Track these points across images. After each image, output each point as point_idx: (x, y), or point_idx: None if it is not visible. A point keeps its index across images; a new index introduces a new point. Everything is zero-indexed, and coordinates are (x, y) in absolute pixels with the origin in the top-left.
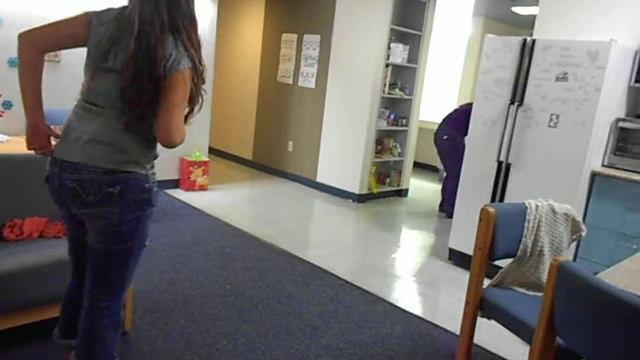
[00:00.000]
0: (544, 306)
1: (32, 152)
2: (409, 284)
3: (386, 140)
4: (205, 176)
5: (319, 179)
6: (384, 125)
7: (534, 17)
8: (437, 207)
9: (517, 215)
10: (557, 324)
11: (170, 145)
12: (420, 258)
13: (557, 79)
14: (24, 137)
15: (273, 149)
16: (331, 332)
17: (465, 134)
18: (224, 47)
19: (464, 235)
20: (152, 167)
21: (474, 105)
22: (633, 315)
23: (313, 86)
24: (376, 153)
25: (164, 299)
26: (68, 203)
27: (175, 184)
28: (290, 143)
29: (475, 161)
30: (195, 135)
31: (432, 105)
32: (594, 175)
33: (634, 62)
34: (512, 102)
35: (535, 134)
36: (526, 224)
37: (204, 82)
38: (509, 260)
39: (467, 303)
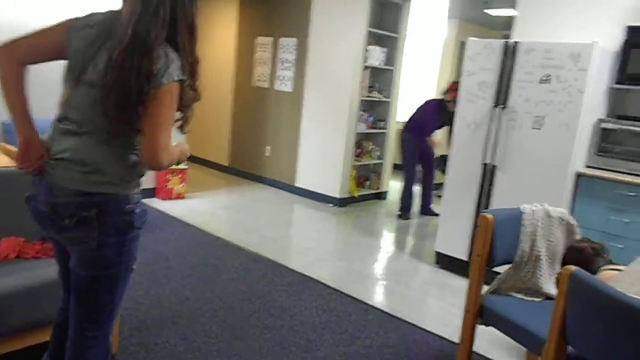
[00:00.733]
0: (555, 316)
1: (19, 169)
2: (398, 290)
3: (365, 144)
4: (183, 184)
5: (298, 184)
6: (363, 128)
7: (506, 18)
8: (418, 209)
9: (513, 221)
10: (570, 333)
11: (156, 166)
12: (407, 263)
13: (541, 81)
14: None
15: (250, 155)
16: (326, 345)
17: (423, 133)
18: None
19: (451, 238)
20: (137, 186)
21: (457, 108)
22: None
23: (290, 90)
24: (356, 156)
25: (151, 316)
26: (46, 227)
27: (151, 193)
28: (268, 148)
29: (461, 164)
30: (173, 143)
31: (410, 107)
32: (578, 176)
33: (613, 64)
34: (496, 105)
35: (520, 137)
36: (523, 230)
37: (198, 96)
38: (506, 267)
39: (466, 311)
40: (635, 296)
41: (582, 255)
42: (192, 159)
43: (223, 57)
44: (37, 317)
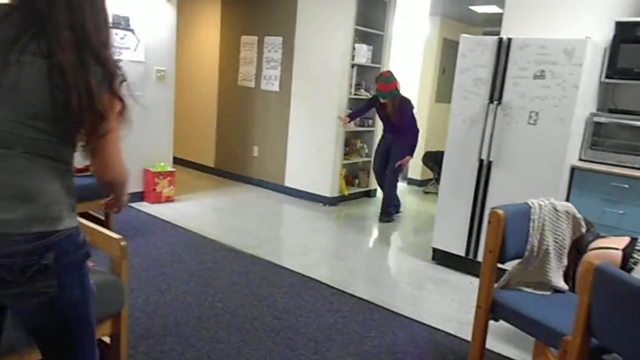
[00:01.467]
0: (580, 310)
1: None
2: (399, 288)
3: (353, 141)
4: (171, 187)
5: (287, 184)
6: (351, 126)
7: (488, 15)
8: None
9: (522, 215)
10: (595, 327)
11: (111, 178)
12: (404, 259)
13: (535, 76)
14: None
15: (237, 155)
16: (335, 346)
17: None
18: (180, 50)
19: (447, 234)
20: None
21: (452, 105)
22: None
23: (277, 89)
24: (344, 155)
25: (155, 323)
26: None
27: (139, 196)
28: (256, 148)
29: (456, 160)
30: (160, 145)
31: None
32: (573, 169)
33: (603, 58)
34: (491, 101)
35: (515, 132)
36: (531, 224)
37: (123, 105)
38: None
39: (478, 307)
40: None
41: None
42: (177, 161)
43: (206, 57)
44: None
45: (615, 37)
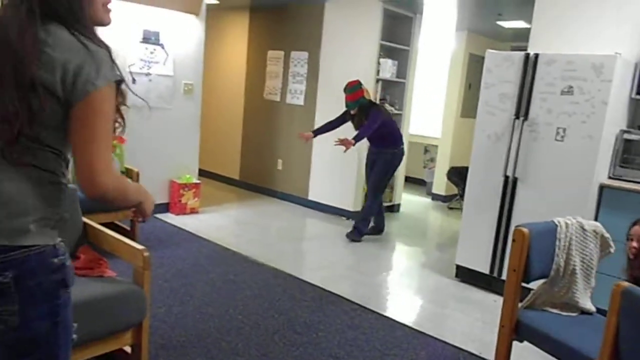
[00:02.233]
0: (607, 333)
1: None
2: (422, 305)
3: None
4: (196, 199)
5: (310, 197)
6: None
7: (515, 30)
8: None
9: (548, 234)
10: (624, 350)
11: (95, 190)
12: (427, 276)
13: (563, 92)
14: None
15: (261, 168)
16: None
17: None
18: (207, 64)
19: (471, 251)
20: (57, 230)
21: (477, 120)
22: None
23: (302, 103)
24: None
25: (176, 334)
26: None
27: (165, 207)
28: (280, 161)
29: (481, 176)
30: (186, 157)
31: (422, 119)
32: (602, 187)
33: (634, 75)
34: (517, 117)
35: (542, 148)
36: (557, 243)
37: (123, 100)
38: (539, 281)
39: (501, 326)
40: None
41: None
42: (202, 173)
43: (233, 71)
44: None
45: None
